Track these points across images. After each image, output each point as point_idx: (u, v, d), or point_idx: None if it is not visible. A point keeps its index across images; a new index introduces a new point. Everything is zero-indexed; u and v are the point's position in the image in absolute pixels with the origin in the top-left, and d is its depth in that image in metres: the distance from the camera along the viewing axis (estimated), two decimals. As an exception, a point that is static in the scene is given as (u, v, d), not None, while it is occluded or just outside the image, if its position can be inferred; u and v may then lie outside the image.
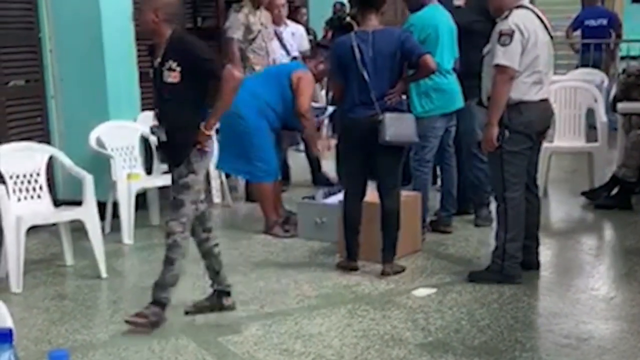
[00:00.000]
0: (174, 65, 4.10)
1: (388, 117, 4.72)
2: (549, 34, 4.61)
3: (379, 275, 4.97)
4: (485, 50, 4.71)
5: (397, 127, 4.72)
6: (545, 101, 4.67)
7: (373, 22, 4.88)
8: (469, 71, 5.51)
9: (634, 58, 11.24)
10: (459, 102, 5.67)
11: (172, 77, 4.11)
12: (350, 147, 5.02)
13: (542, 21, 4.57)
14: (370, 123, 4.75)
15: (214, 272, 4.46)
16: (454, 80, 5.62)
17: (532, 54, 4.47)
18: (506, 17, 4.48)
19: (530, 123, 4.59)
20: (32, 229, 5.14)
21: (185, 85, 4.11)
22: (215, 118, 4.19)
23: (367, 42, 4.78)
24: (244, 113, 5.81)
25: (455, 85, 5.62)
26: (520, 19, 4.46)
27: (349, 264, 5.11)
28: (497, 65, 4.46)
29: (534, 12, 4.56)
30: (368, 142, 4.82)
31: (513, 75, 4.45)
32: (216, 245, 4.45)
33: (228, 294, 4.51)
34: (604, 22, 11.24)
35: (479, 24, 5.60)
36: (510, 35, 4.41)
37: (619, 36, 11.44)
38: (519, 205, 4.67)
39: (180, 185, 4.17)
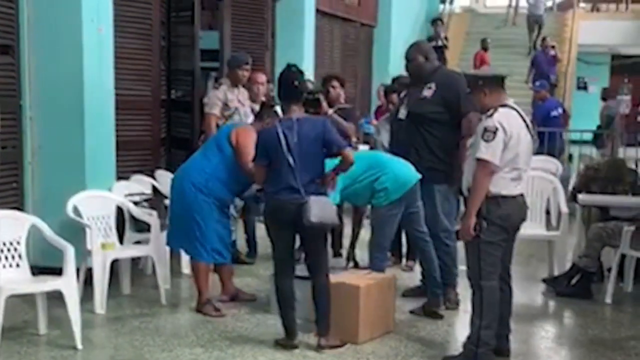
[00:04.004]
0: None
1: (312, 199, 4.96)
2: (530, 133, 4.85)
3: (360, 354, 5.09)
4: (469, 143, 4.93)
5: (321, 210, 4.97)
6: (522, 196, 4.89)
7: (297, 113, 5.18)
8: (431, 158, 5.89)
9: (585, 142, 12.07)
10: (412, 178, 5.82)
11: None
12: (277, 228, 5.20)
13: (524, 120, 4.81)
14: (295, 206, 4.98)
15: None
16: (396, 163, 5.88)
17: (513, 151, 4.69)
18: (491, 114, 4.71)
19: (508, 216, 4.80)
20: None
21: None
22: None
23: (291, 129, 5.06)
24: (187, 189, 5.80)
25: (397, 167, 5.84)
26: (504, 118, 4.68)
27: (287, 342, 5.24)
28: (479, 160, 4.67)
29: (517, 111, 4.80)
30: (294, 223, 5.05)
31: (494, 170, 4.66)
32: None
33: None
34: (561, 110, 12.04)
35: (441, 115, 5.93)
36: (494, 132, 4.62)
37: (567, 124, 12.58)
38: (494, 294, 4.84)
39: None
